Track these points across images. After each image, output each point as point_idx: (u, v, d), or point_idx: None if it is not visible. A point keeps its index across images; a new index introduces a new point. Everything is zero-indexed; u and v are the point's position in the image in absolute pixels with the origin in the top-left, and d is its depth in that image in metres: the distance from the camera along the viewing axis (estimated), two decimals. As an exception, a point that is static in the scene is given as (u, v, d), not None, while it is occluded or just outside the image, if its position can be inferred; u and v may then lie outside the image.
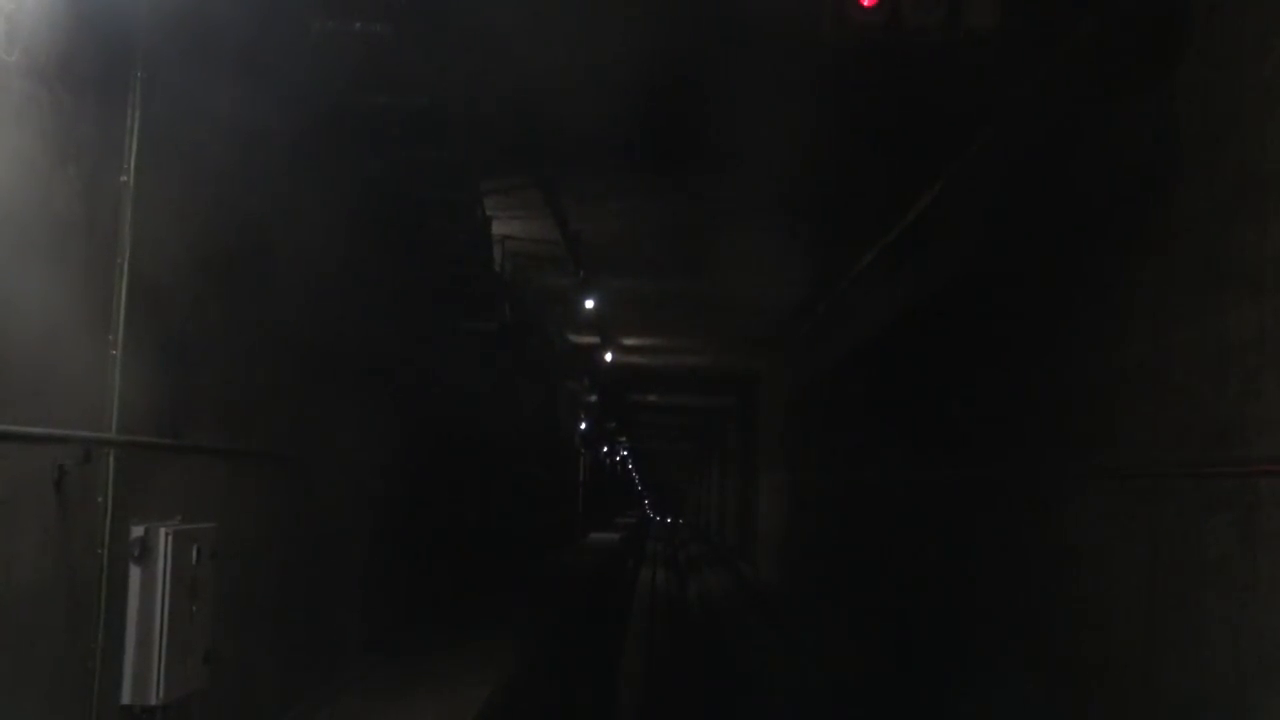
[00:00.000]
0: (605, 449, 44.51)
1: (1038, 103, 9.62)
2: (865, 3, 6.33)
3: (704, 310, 21.97)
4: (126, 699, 5.32)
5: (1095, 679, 7.74)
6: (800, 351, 23.71)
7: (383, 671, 10.37)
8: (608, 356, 26.22)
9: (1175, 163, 6.95)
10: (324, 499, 8.90)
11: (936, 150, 11.70)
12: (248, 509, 7.14)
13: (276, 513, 7.77)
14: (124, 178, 5.23)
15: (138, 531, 5.33)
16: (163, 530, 5.42)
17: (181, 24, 5.76)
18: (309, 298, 8.36)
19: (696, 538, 64.07)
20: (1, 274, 4.41)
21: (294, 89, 7.54)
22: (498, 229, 15.01)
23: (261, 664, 7.50)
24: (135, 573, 5.31)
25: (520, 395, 18.76)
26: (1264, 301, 5.82)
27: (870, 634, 15.17)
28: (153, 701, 5.34)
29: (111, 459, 5.16)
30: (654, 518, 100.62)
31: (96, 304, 5.13)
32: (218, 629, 6.18)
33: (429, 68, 9.42)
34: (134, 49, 5.35)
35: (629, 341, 26.44)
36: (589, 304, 18.58)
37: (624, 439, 55.28)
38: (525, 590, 17.61)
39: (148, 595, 5.32)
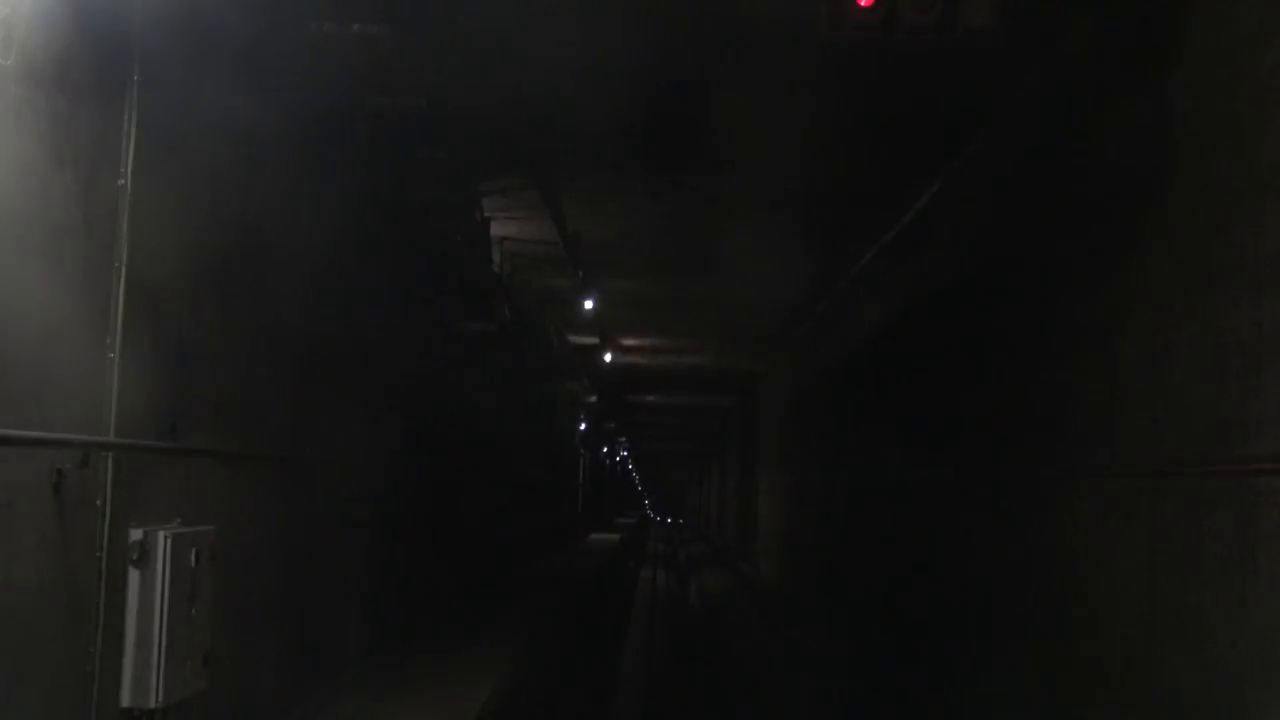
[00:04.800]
0: (605, 449, 44.51)
1: (1035, 102, 9.63)
2: (862, 2, 6.33)
3: (703, 310, 22.00)
4: (126, 702, 5.31)
5: (1095, 677, 7.74)
6: (800, 351, 23.72)
7: (384, 673, 10.37)
8: (607, 357, 26.22)
9: (1173, 160, 6.95)
10: (324, 501, 8.90)
11: (935, 150, 11.70)
12: (247, 511, 7.14)
13: (277, 514, 7.77)
14: (121, 180, 5.22)
15: (136, 535, 5.32)
16: (161, 533, 5.41)
17: (179, 26, 5.75)
18: (308, 299, 8.36)
19: (697, 538, 64.12)
20: (-1, 277, 4.41)
21: (292, 91, 7.54)
22: (496, 230, 15.01)
23: (262, 666, 7.50)
24: (134, 576, 5.30)
25: (520, 396, 18.77)
26: (1262, 299, 5.81)
27: (870, 634, 15.17)
28: (152, 704, 5.34)
29: (110, 462, 5.15)
30: (654, 517, 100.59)
31: (94, 307, 5.12)
32: (217, 631, 6.18)
33: (427, 69, 9.44)
34: (131, 52, 5.35)
35: (628, 342, 26.45)
36: (588, 305, 18.58)
37: (624, 439, 55.29)
38: (526, 591, 17.61)
39: (147, 598, 5.31)
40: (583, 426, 31.79)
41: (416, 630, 12.01)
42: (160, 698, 5.34)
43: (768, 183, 13.64)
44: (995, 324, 10.54)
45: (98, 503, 5.08)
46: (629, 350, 27.81)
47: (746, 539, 35.00)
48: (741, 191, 14.12)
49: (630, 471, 79.46)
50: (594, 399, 31.70)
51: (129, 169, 5.25)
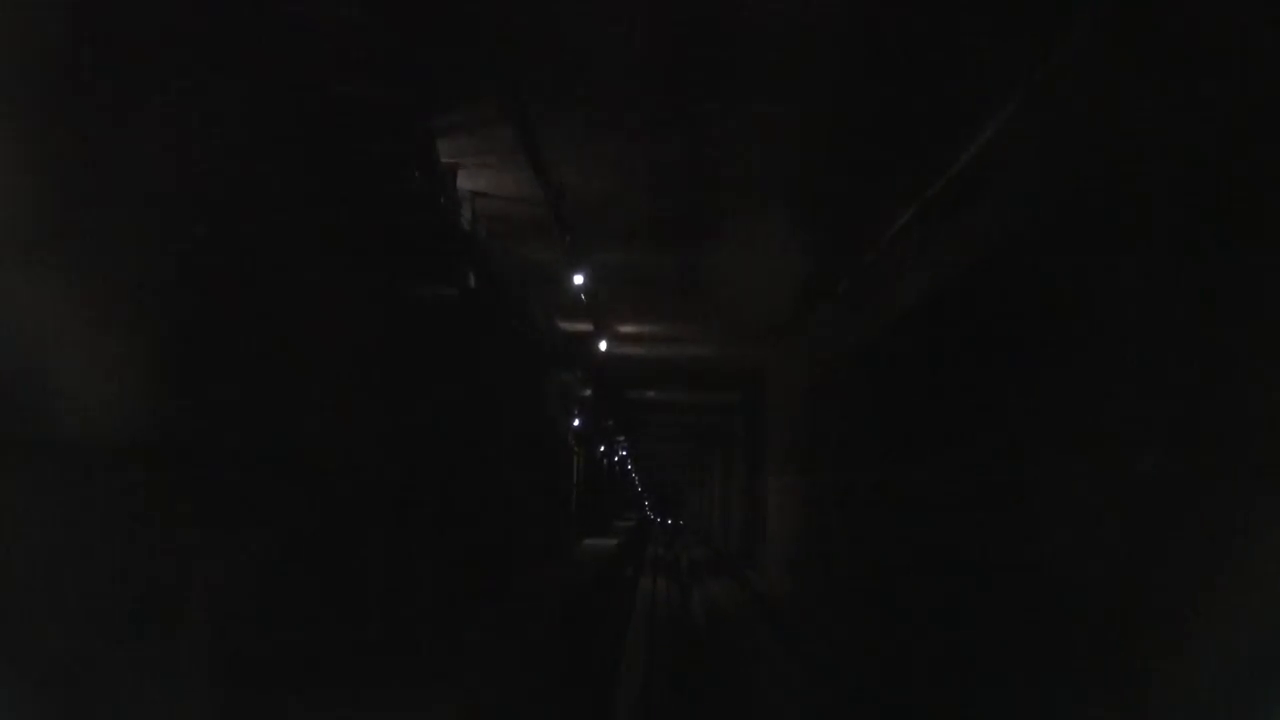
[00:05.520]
0: (603, 448, 42.11)
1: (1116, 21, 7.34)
2: None
3: (708, 291, 19.51)
4: None
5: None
6: (817, 338, 21.33)
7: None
8: (602, 345, 23.80)
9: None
10: (205, 507, 6.48)
11: (987, 92, 9.49)
12: (43, 527, 4.74)
13: (116, 529, 5.38)
14: None
15: None
16: None
17: None
18: (188, 239, 6.00)
19: (699, 541, 61.73)
20: None
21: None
22: (465, 182, 12.60)
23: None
24: None
25: (499, 383, 16.32)
26: None
27: (904, 657, 12.77)
28: None
29: None
30: (655, 519, 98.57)
31: None
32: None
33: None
34: None
35: (625, 329, 24.03)
36: (578, 279, 16.16)
37: (623, 438, 52.94)
38: (507, 612, 15.16)
39: None
40: (576, 422, 29.35)
41: (353, 678, 9.53)
42: None
43: (789, 131, 11.33)
44: (1061, 296, 8.33)
45: None
46: (626, 339, 25.37)
47: (753, 545, 32.55)
48: (757, 142, 11.79)
49: (629, 472, 77.13)
50: (588, 392, 29.29)
51: None
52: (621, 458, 59.93)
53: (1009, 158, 10.17)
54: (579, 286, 16.57)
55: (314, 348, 8.31)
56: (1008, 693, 9.34)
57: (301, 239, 8.04)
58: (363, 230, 9.20)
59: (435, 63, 9.21)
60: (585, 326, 23.32)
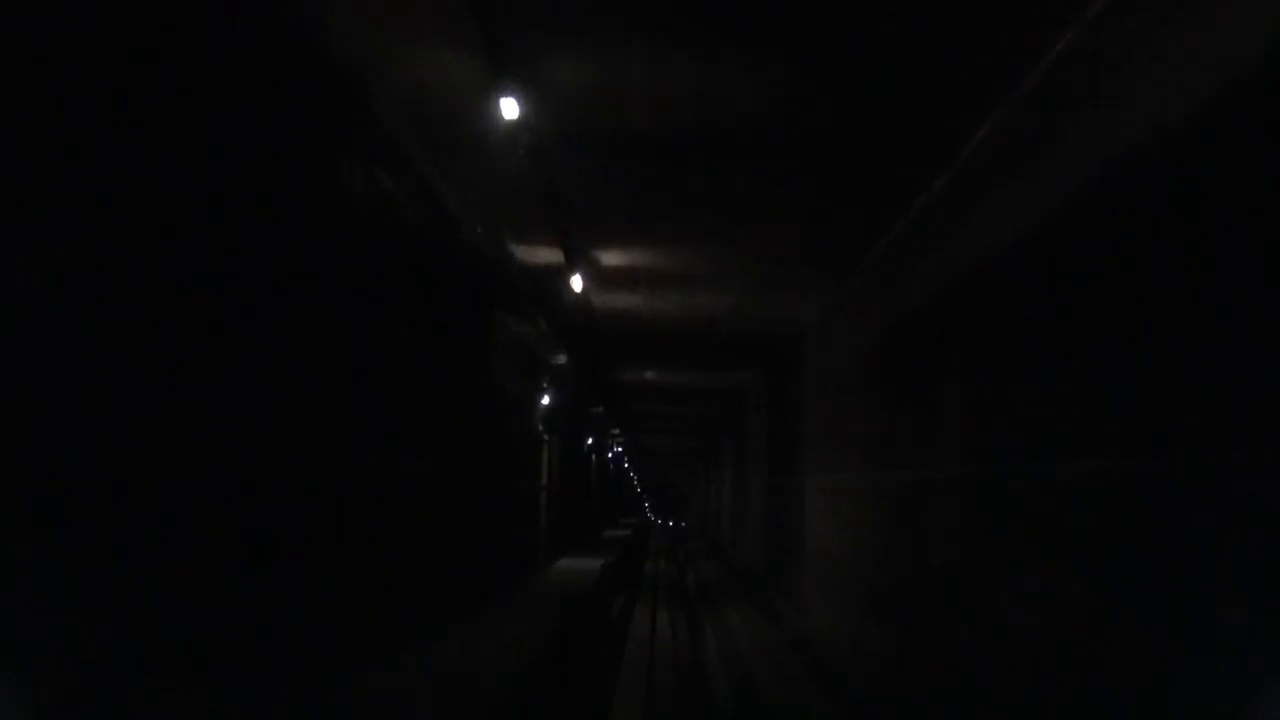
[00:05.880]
0: (590, 440, 34.75)
1: None
2: None
3: (735, 163, 12.14)
4: None
5: None
6: (887, 276, 14.14)
7: None
8: (576, 283, 16.55)
9: None
10: None
11: None
12: None
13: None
14: None
15: None
16: None
17: None
18: None
19: (708, 551, 54.22)
20: None
21: None
22: None
23: None
24: None
25: (370, 322, 9.01)
26: None
27: None
28: None
29: None
30: (655, 520, 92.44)
31: None
32: None
33: None
34: None
35: (610, 259, 16.71)
36: (511, 110, 8.93)
37: (618, 431, 45.81)
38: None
39: None
40: (546, 399, 22.03)
41: None
42: None
43: None
44: None
45: None
46: (612, 280, 18.00)
47: (782, 561, 25.15)
48: None
49: (626, 470, 69.95)
50: (564, 360, 21.99)
51: None
52: (616, 454, 52.75)
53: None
54: (517, 127, 9.33)
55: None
56: None
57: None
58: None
59: None
60: (553, 255, 16.12)
